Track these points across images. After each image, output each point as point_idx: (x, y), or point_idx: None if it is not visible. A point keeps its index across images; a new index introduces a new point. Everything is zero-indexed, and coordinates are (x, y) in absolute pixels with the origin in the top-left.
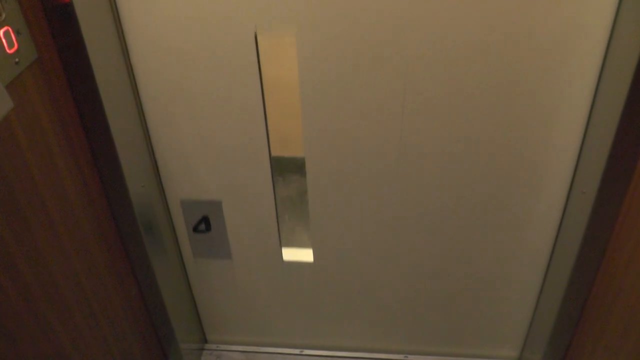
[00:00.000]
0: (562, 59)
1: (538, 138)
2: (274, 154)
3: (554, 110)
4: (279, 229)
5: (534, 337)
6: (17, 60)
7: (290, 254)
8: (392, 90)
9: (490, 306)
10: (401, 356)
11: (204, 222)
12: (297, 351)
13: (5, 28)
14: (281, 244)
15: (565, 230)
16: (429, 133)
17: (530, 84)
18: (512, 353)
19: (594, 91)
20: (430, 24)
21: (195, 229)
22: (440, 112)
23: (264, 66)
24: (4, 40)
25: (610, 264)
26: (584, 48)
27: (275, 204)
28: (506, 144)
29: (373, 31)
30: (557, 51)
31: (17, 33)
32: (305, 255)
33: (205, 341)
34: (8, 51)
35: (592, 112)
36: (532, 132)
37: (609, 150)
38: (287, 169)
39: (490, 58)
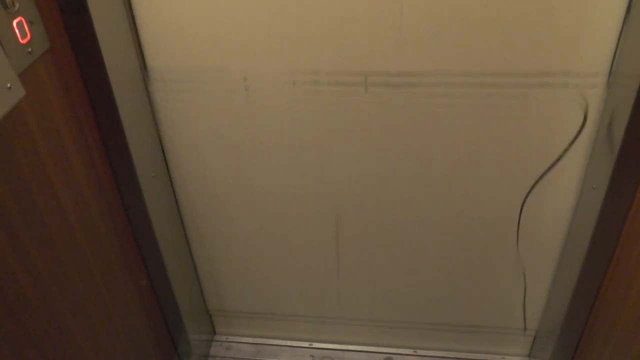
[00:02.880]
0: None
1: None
2: None
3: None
4: None
5: (544, 334)
6: (30, 50)
7: None
8: None
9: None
10: (410, 351)
11: None
12: (306, 344)
13: (18, 18)
14: None
15: (575, 226)
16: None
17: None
18: (521, 350)
19: (606, 82)
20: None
21: None
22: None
23: None
24: (17, 31)
25: (620, 261)
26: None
27: None
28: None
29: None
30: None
31: (30, 23)
32: None
33: (215, 333)
34: (21, 41)
35: (604, 107)
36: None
37: (620, 145)
38: None
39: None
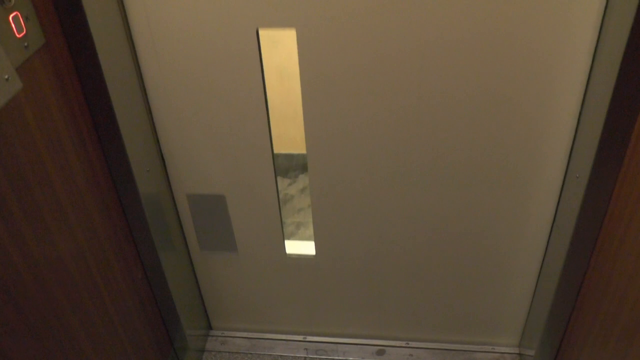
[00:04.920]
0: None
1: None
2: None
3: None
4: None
5: (532, 323)
6: (26, 44)
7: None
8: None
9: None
10: (403, 343)
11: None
12: (300, 337)
13: (14, 13)
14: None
15: (560, 215)
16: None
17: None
18: (511, 340)
19: (586, 81)
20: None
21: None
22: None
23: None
24: (13, 25)
25: (602, 248)
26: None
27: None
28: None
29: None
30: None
31: (26, 19)
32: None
33: (210, 327)
34: (17, 36)
35: (584, 100)
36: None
37: (600, 135)
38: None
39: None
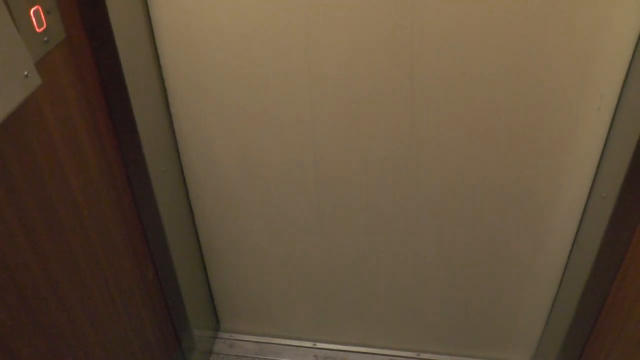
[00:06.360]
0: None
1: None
2: None
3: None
4: None
5: (546, 344)
6: (46, 39)
7: None
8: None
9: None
10: (413, 354)
11: None
12: (310, 344)
13: (35, 7)
14: None
15: (583, 235)
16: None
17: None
18: (523, 358)
19: (619, 95)
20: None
21: None
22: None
23: None
24: (33, 19)
25: (627, 272)
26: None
27: None
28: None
29: None
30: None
31: (47, 12)
32: None
33: (219, 329)
34: (37, 30)
35: (615, 115)
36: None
37: (632, 154)
38: None
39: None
